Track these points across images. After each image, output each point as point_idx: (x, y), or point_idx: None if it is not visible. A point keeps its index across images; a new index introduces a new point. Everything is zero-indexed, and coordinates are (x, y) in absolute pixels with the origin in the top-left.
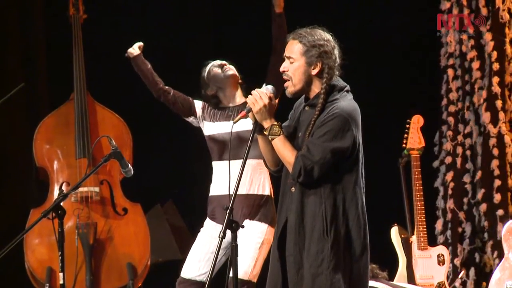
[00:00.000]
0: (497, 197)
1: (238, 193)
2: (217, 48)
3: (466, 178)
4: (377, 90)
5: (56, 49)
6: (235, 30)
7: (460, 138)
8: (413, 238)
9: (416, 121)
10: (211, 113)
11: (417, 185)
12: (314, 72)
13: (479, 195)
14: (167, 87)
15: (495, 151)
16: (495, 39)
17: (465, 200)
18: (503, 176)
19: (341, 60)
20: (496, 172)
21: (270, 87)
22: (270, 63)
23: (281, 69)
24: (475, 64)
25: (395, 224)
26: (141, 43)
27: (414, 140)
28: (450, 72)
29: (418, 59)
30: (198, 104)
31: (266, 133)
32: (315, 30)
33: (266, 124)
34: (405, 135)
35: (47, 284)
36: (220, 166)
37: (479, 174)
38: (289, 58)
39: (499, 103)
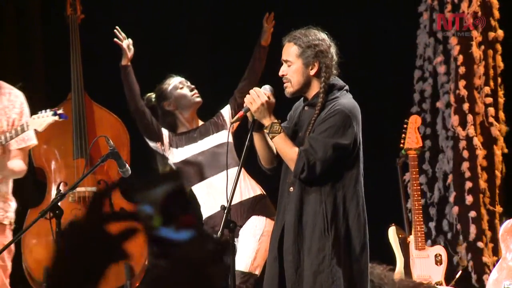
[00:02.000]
0: (469, 199)
1: (232, 203)
2: (215, 49)
3: (422, 179)
4: (374, 90)
5: (53, 49)
6: (235, 30)
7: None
8: (411, 238)
9: (414, 121)
10: (177, 140)
11: (415, 185)
12: (312, 72)
13: (451, 198)
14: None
15: (465, 154)
16: (461, 43)
17: (422, 201)
18: (475, 178)
19: (338, 58)
20: (467, 174)
21: (267, 86)
22: (238, 87)
23: (280, 73)
24: (441, 69)
25: (393, 224)
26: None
27: (412, 140)
28: (416, 73)
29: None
30: (165, 132)
31: (266, 131)
32: (310, 31)
33: (266, 122)
34: (403, 135)
35: (45, 284)
36: (205, 186)
37: (450, 177)
38: (286, 61)
39: (466, 106)
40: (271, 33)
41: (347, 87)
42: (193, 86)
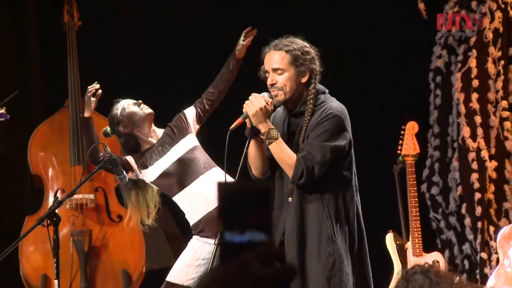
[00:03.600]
0: (478, 210)
1: (209, 211)
2: (212, 54)
3: (434, 190)
4: (372, 96)
5: (50, 56)
6: (231, 32)
7: (430, 150)
8: (408, 245)
9: (411, 128)
10: (143, 160)
11: (412, 191)
12: (303, 80)
13: (463, 209)
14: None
15: (475, 165)
16: (478, 57)
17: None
18: (483, 189)
19: (321, 66)
20: (476, 185)
21: (266, 94)
22: (207, 91)
23: (270, 82)
24: (455, 81)
25: (390, 230)
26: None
27: (409, 146)
28: (432, 84)
29: (414, 64)
30: (130, 159)
31: (263, 137)
32: (295, 39)
33: (263, 128)
34: (400, 141)
35: None
36: (186, 194)
37: (459, 188)
38: (276, 70)
39: (478, 119)
40: (247, 47)
41: (327, 90)
42: (140, 102)
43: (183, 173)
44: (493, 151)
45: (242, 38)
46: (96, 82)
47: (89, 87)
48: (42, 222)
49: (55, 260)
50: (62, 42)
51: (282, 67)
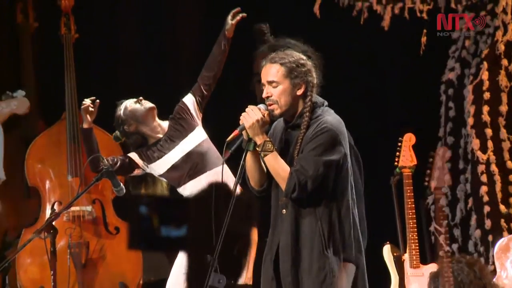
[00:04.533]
0: (488, 223)
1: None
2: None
3: (443, 201)
4: (369, 107)
5: (47, 69)
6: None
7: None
8: (406, 256)
9: (408, 139)
10: (150, 154)
11: (409, 203)
12: (299, 92)
13: (472, 221)
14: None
15: (484, 178)
16: (491, 70)
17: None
18: (493, 202)
19: (320, 77)
20: (485, 198)
21: (262, 105)
22: (201, 76)
23: (265, 95)
24: (467, 94)
25: (388, 242)
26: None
27: (406, 158)
28: (443, 96)
29: (412, 76)
30: (135, 156)
31: (258, 149)
32: (292, 51)
33: (259, 140)
34: (397, 153)
35: None
36: (192, 186)
37: (470, 200)
38: (271, 82)
39: (488, 132)
40: (235, 26)
41: (326, 103)
42: (140, 98)
43: (192, 167)
44: (510, 164)
45: (230, 17)
46: (94, 98)
47: (84, 101)
48: (39, 235)
49: (52, 272)
50: (59, 54)
51: (276, 80)
